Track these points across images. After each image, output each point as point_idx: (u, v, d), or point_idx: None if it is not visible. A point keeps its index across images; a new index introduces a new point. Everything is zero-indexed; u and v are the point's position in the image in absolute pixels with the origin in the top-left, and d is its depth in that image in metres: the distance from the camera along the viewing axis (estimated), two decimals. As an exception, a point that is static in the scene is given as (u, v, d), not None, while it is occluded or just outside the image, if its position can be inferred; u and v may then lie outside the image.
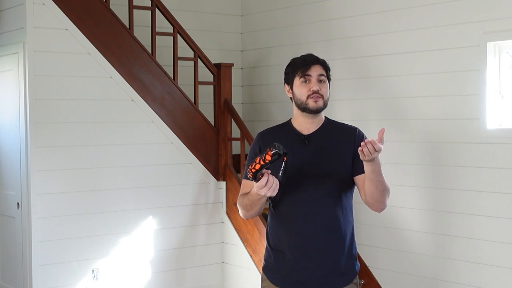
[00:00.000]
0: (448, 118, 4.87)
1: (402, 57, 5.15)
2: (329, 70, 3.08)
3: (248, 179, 3.02)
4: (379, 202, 2.96)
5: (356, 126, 3.12)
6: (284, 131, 3.08)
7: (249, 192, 2.96)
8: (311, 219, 2.95)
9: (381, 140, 2.75)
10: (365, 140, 2.74)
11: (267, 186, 2.77)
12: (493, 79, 4.62)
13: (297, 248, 2.97)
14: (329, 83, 3.07)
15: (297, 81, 3.02)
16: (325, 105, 3.02)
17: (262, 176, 2.76)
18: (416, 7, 5.05)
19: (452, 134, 4.84)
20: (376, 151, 2.72)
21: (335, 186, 2.97)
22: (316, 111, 3.01)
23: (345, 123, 3.17)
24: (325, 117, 3.12)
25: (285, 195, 2.99)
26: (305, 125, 3.04)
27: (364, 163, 2.82)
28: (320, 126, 3.06)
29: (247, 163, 3.11)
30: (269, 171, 2.78)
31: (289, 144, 3.00)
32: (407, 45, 5.11)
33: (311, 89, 2.98)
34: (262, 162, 2.76)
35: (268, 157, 2.74)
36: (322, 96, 2.99)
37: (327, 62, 3.10)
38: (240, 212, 3.10)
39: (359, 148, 2.74)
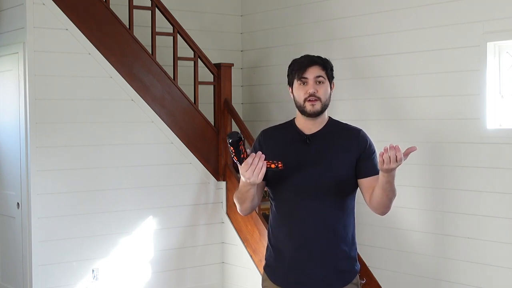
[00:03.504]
0: (448, 118, 4.87)
1: (402, 57, 5.15)
2: (331, 69, 3.03)
3: None
4: (385, 208, 2.98)
5: (360, 128, 3.11)
6: (287, 130, 3.06)
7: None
8: (312, 219, 2.95)
9: (406, 155, 2.72)
10: (389, 145, 2.69)
11: (251, 169, 2.74)
12: (493, 79, 4.62)
13: (298, 247, 2.97)
14: (331, 81, 3.03)
15: (296, 83, 3.01)
16: (323, 107, 2.98)
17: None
18: (416, 7, 5.05)
19: (452, 134, 4.84)
20: (397, 161, 2.69)
21: (336, 187, 2.97)
22: (314, 115, 2.98)
23: (349, 123, 3.16)
24: (329, 117, 3.10)
25: (285, 195, 2.99)
26: (307, 125, 3.03)
27: (380, 172, 2.79)
28: (323, 127, 3.04)
29: None
30: (261, 156, 2.75)
31: (291, 143, 3.00)
32: (407, 45, 5.11)
33: (308, 92, 2.96)
34: (234, 157, 2.76)
35: (231, 148, 2.73)
36: (319, 99, 2.96)
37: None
38: (237, 207, 3.09)
39: (380, 153, 2.70)
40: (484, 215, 4.64)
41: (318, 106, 2.96)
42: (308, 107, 2.96)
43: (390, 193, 2.90)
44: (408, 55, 5.11)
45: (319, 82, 2.97)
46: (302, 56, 3.06)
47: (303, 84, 2.97)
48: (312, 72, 2.97)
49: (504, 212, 4.54)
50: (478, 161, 4.67)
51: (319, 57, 3.05)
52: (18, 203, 5.21)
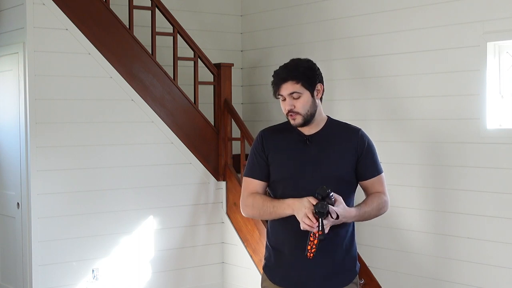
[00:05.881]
0: (448, 118, 4.87)
1: (402, 57, 5.15)
2: (308, 77, 2.96)
3: (250, 176, 3.07)
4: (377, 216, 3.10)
5: (359, 127, 3.11)
6: (287, 131, 3.07)
7: (270, 198, 2.99)
8: (313, 220, 2.94)
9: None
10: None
11: (306, 220, 2.80)
12: (493, 79, 4.62)
13: (298, 248, 2.96)
14: (313, 89, 2.97)
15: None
16: (306, 119, 2.98)
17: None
18: (416, 7, 5.05)
19: (452, 134, 4.84)
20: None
21: (336, 187, 2.97)
22: (299, 126, 3.00)
23: (348, 123, 3.16)
24: (328, 116, 3.10)
25: (286, 195, 2.98)
26: (306, 127, 3.03)
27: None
28: (323, 127, 3.05)
29: (249, 160, 3.12)
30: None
31: (292, 144, 3.00)
32: (407, 45, 5.11)
33: (286, 109, 3.00)
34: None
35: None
36: (298, 113, 2.96)
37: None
38: (247, 211, 3.07)
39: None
40: (484, 215, 4.64)
41: (299, 119, 2.98)
42: (291, 120, 3.01)
43: (363, 219, 3.02)
44: (408, 55, 5.11)
45: (295, 97, 2.96)
46: (279, 68, 3.03)
47: (282, 99, 3.01)
48: (285, 89, 2.98)
49: (504, 212, 4.54)
50: (478, 161, 4.67)
51: (293, 69, 2.98)
52: (18, 203, 5.21)
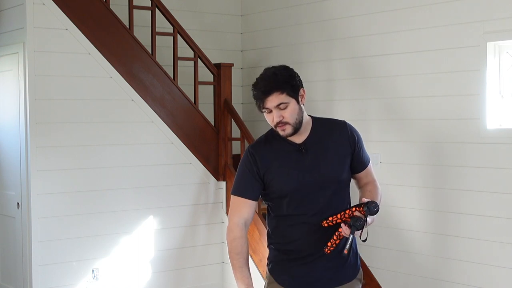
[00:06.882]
0: (448, 118, 4.87)
1: (402, 57, 5.15)
2: (291, 85, 2.88)
3: (242, 195, 2.96)
4: None
5: (344, 120, 3.10)
6: (276, 143, 2.98)
7: (244, 261, 2.96)
8: (318, 224, 2.92)
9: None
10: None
11: None
12: (493, 79, 4.62)
13: (304, 252, 2.95)
14: (297, 95, 2.89)
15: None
16: (296, 127, 2.90)
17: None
18: (416, 7, 5.05)
19: (452, 134, 4.84)
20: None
21: (338, 188, 2.98)
22: (289, 136, 2.92)
23: (331, 118, 3.15)
24: (311, 117, 3.04)
25: (290, 205, 2.95)
26: (295, 135, 2.96)
27: None
28: (311, 131, 2.99)
29: (238, 179, 3.01)
30: None
31: (286, 155, 2.95)
32: (407, 45, 5.11)
33: (274, 121, 2.89)
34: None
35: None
36: (287, 123, 2.87)
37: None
38: (229, 239, 2.99)
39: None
40: (484, 215, 4.65)
41: (289, 130, 2.90)
42: (280, 132, 2.91)
43: None
44: (408, 55, 5.11)
45: (283, 108, 2.87)
46: (257, 81, 2.93)
47: (268, 112, 2.90)
48: (271, 102, 2.86)
49: (504, 212, 4.54)
50: (478, 161, 4.67)
51: (273, 80, 2.89)
52: (18, 203, 5.21)
